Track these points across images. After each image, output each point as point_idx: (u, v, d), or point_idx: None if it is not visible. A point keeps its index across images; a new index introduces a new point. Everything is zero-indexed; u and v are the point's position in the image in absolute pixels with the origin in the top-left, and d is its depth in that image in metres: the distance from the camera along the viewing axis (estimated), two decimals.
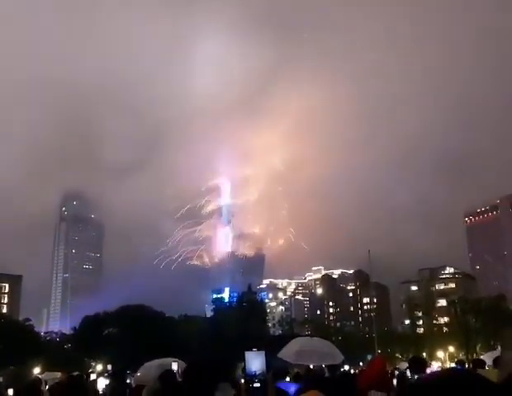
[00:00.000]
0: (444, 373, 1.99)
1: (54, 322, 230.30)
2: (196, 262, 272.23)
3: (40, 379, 6.99)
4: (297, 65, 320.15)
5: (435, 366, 66.12)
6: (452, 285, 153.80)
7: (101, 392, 20.20)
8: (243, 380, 14.56)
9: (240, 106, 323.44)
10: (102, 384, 22.22)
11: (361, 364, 71.24)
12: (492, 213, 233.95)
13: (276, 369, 9.54)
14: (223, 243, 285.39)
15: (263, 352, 18.98)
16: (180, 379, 6.96)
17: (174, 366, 10.47)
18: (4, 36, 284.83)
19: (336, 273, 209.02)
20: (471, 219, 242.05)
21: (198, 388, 3.76)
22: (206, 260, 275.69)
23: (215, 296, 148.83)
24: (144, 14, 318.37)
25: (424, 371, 8.27)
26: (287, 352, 11.05)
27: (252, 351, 19.05)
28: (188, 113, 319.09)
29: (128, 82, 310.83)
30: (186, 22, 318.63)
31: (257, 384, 12.34)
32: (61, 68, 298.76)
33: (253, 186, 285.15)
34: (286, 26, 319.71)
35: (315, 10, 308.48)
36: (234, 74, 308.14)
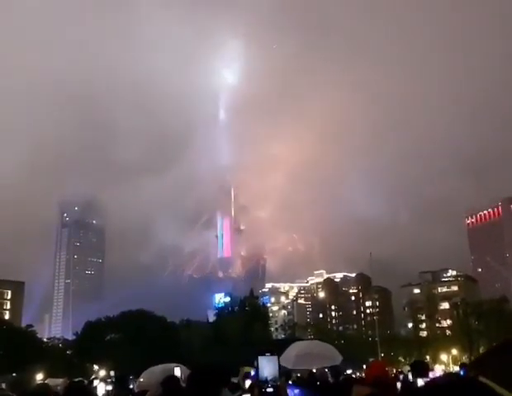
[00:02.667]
0: (447, 379, 2.00)
1: (57, 327, 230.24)
2: (198, 268, 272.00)
3: (47, 385, 6.95)
4: (315, 66, 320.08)
5: (439, 369, 65.90)
6: (455, 288, 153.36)
7: None
8: (247, 383, 14.58)
9: (257, 109, 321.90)
10: (102, 389, 22.14)
11: (364, 367, 70.97)
12: (494, 215, 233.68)
13: (285, 374, 9.55)
14: (227, 249, 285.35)
15: (276, 357, 19.01)
16: (183, 385, 6.98)
17: (177, 372, 10.47)
18: (19, 36, 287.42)
19: (338, 277, 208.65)
20: (473, 222, 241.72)
21: (203, 394, 3.77)
22: (209, 265, 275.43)
23: (217, 301, 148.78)
24: (160, 15, 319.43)
25: (427, 375, 8.26)
26: (286, 358, 11.06)
27: (265, 355, 19.05)
28: (197, 118, 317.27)
29: (141, 82, 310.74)
30: (203, 24, 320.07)
31: (270, 389, 12.46)
32: (73, 67, 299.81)
33: (262, 191, 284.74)
34: (307, 28, 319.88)
35: (334, 14, 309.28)
36: (252, 76, 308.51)
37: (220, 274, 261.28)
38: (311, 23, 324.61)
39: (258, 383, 13.23)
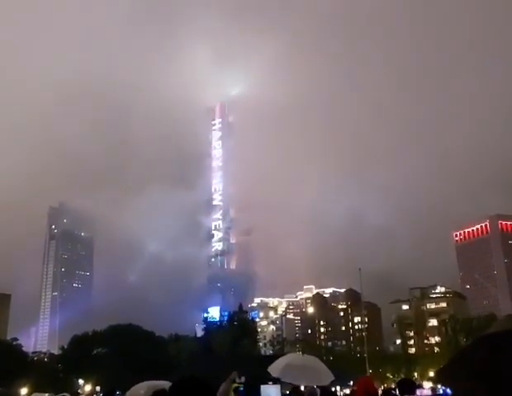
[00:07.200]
0: None
1: (43, 341, 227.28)
2: (187, 282, 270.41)
3: None
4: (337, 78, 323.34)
5: (427, 387, 65.79)
6: (443, 305, 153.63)
7: None
8: None
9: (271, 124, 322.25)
10: None
11: (351, 383, 70.74)
12: (482, 232, 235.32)
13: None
14: (216, 264, 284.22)
15: (279, 386, 19.02)
16: None
17: (166, 388, 10.42)
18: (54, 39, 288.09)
19: (327, 292, 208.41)
20: (461, 239, 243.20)
21: None
22: (198, 280, 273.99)
23: (205, 315, 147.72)
24: (186, 32, 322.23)
25: (413, 392, 8.31)
26: (276, 367, 10.94)
27: (268, 384, 19.01)
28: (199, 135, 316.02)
29: (153, 97, 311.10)
30: (221, 40, 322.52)
31: None
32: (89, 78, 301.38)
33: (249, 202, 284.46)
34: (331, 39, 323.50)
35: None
36: (271, 91, 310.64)
37: (209, 288, 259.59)
38: (337, 34, 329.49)
39: None
